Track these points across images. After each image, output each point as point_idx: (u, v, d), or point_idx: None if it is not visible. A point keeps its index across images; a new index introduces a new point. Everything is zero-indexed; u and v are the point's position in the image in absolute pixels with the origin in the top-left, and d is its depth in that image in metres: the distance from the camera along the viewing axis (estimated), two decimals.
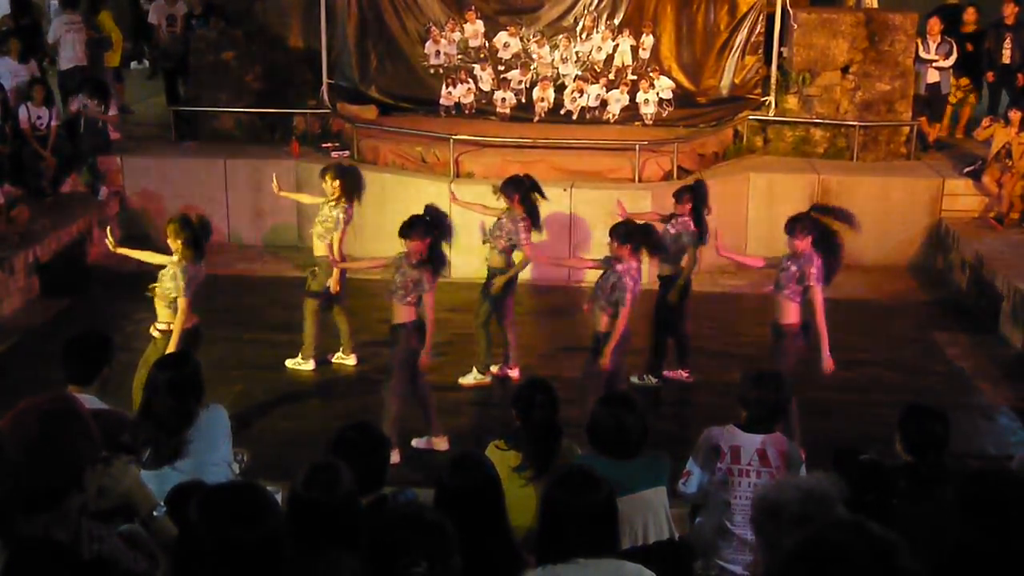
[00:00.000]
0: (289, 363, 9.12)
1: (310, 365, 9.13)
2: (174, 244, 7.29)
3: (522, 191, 8.56)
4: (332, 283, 8.79)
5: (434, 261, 7.38)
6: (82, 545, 2.89)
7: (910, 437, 4.60)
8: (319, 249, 8.88)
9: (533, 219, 8.57)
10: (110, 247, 7.91)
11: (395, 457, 7.30)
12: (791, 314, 7.28)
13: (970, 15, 13.46)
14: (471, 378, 8.93)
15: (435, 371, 8.92)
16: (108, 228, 8.31)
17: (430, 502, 3.83)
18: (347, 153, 12.41)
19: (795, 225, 7.28)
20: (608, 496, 3.56)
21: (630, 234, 7.32)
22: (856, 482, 4.14)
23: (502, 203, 8.85)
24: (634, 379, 8.81)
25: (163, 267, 7.46)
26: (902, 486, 4.38)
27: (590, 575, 3.45)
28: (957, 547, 2.87)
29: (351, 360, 9.21)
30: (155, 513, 3.32)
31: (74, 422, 2.91)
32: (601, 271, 7.49)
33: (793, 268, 7.19)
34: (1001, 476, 3.33)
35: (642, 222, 7.76)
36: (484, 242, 8.84)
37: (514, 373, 8.93)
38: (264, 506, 2.67)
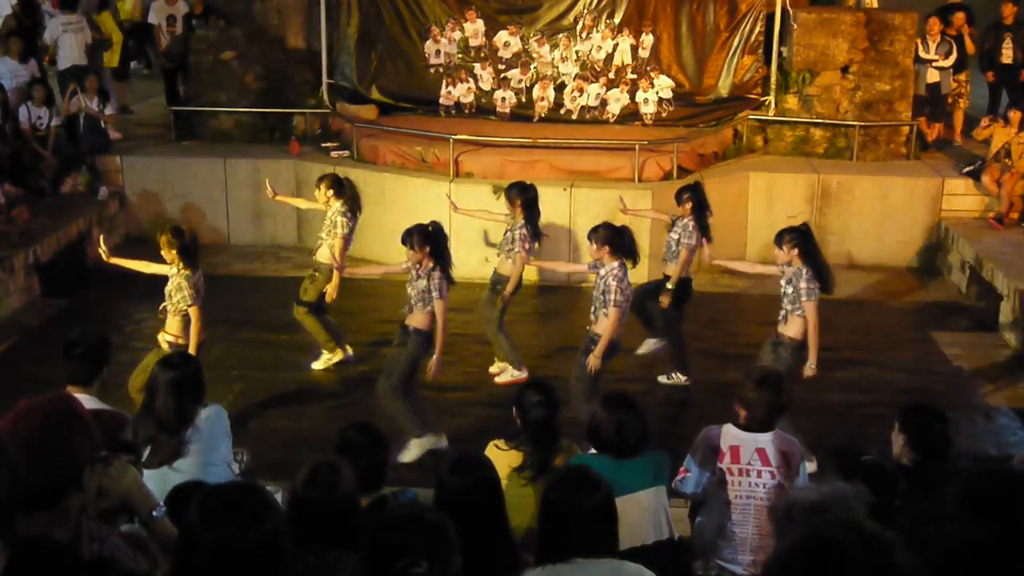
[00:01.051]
0: (318, 365, 9.04)
1: (339, 355, 9.07)
2: (168, 255, 7.25)
3: (525, 198, 8.59)
4: (331, 289, 8.73)
5: (440, 269, 7.32)
6: (82, 545, 2.89)
7: (914, 438, 4.59)
8: (323, 256, 8.84)
9: (532, 227, 8.59)
10: (103, 257, 7.88)
11: (443, 441, 7.55)
12: (796, 329, 7.25)
13: (959, 19, 13.42)
14: (507, 376, 8.88)
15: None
16: (100, 237, 8.25)
17: (430, 502, 3.84)
18: (347, 153, 12.42)
19: (782, 237, 7.32)
20: (607, 496, 3.57)
21: (608, 236, 7.35)
22: (858, 483, 4.15)
23: (503, 206, 8.86)
24: (662, 378, 8.86)
25: (157, 276, 7.43)
26: (904, 487, 4.38)
27: (590, 575, 3.45)
28: (960, 546, 2.87)
29: (338, 356, 9.16)
30: (155, 513, 3.33)
31: (74, 422, 2.91)
32: (595, 281, 7.50)
33: (791, 291, 7.23)
34: (1004, 475, 3.33)
35: (620, 225, 7.69)
36: (497, 255, 8.86)
37: (522, 375, 8.91)
38: (264, 506, 2.67)
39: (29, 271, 10.58)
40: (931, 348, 9.88)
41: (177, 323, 7.26)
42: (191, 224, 12.27)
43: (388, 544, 2.90)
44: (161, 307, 7.34)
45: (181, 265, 7.21)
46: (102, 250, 7.86)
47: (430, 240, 7.36)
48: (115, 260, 7.96)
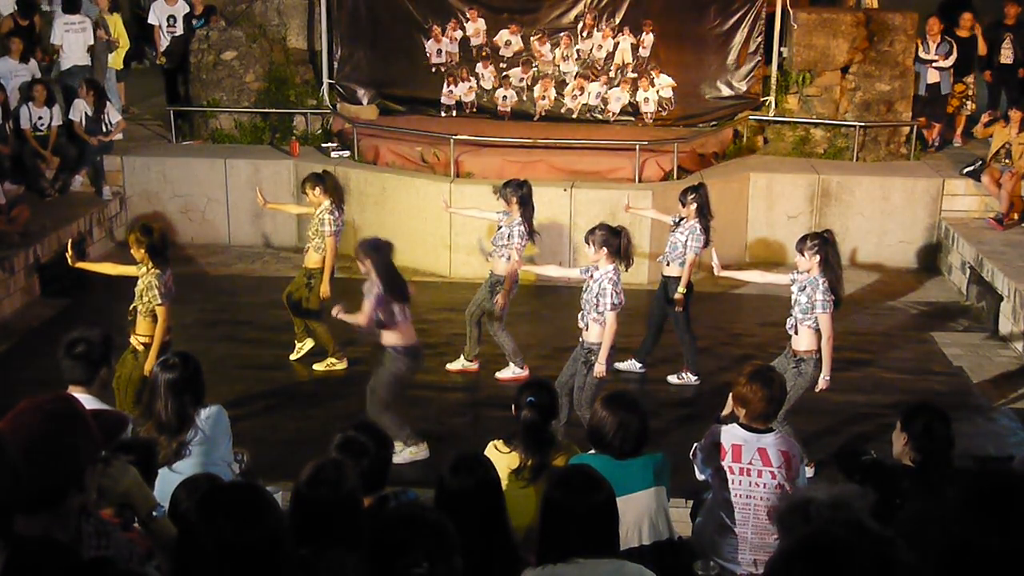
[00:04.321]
0: (319, 367, 9.08)
1: (343, 364, 9.13)
2: (137, 254, 7.15)
3: (520, 195, 8.59)
4: (323, 288, 8.72)
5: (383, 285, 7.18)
6: (82, 545, 2.89)
7: (917, 438, 4.59)
8: (312, 261, 8.85)
9: (528, 226, 8.59)
10: (69, 262, 7.83)
11: (425, 451, 7.51)
12: (808, 341, 7.09)
13: (966, 20, 13.40)
14: (458, 364, 9.04)
15: (433, 372, 8.97)
16: (69, 242, 8.22)
17: (430, 502, 3.84)
18: (347, 153, 12.42)
19: (804, 242, 7.13)
20: (608, 496, 3.57)
21: (606, 238, 7.29)
22: (858, 483, 4.15)
23: (498, 204, 8.86)
24: (672, 378, 8.88)
25: (124, 276, 7.42)
26: (905, 486, 4.38)
27: (590, 575, 3.45)
28: (960, 546, 2.87)
29: (342, 364, 9.17)
30: (155, 513, 3.33)
31: (74, 422, 2.90)
32: (585, 285, 7.43)
33: (804, 300, 7.06)
34: (1004, 475, 3.33)
35: (617, 226, 7.63)
36: (489, 256, 8.86)
37: (523, 372, 8.91)
38: (264, 506, 2.67)
39: (29, 271, 10.59)
40: (931, 348, 9.87)
41: (148, 324, 7.15)
42: (185, 224, 12.38)
43: (389, 544, 2.90)
44: (131, 307, 7.24)
45: (150, 264, 7.13)
46: (68, 256, 7.84)
47: (371, 253, 7.20)
48: (81, 264, 7.95)
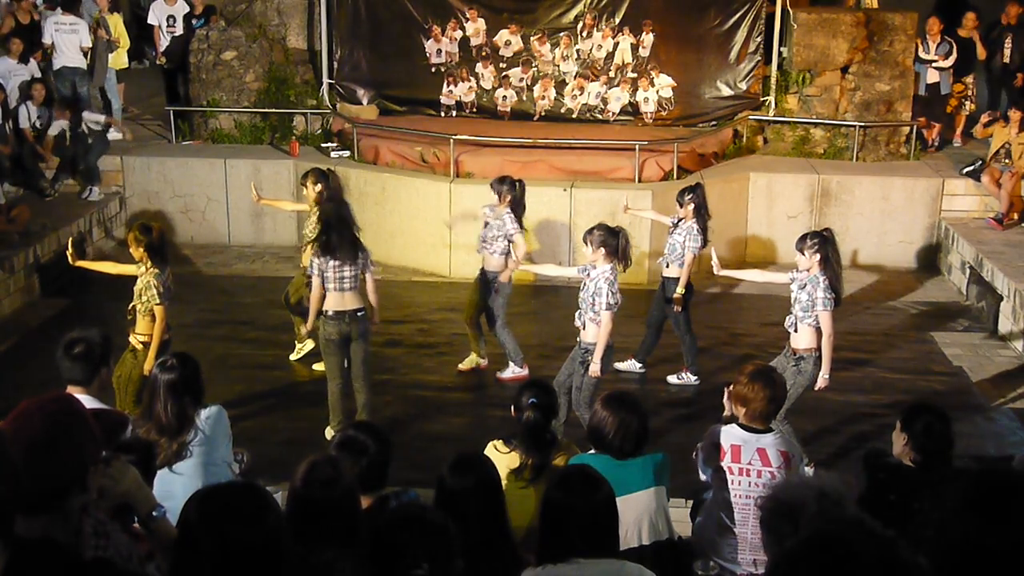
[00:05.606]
0: (319, 367, 9.08)
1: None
2: (136, 253, 7.14)
3: (513, 194, 8.59)
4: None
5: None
6: (82, 545, 2.89)
7: (916, 438, 4.58)
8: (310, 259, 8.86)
9: (519, 220, 8.58)
10: (70, 261, 7.84)
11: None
12: (807, 339, 7.07)
13: (969, 19, 13.38)
14: (468, 362, 9.05)
15: (433, 372, 8.97)
16: (70, 240, 8.22)
17: (430, 502, 3.83)
18: (347, 153, 12.42)
19: (804, 241, 7.12)
20: (608, 496, 3.57)
21: (604, 238, 7.28)
22: (881, 482, 4.13)
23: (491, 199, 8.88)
24: (672, 378, 8.87)
25: (123, 276, 7.42)
26: (922, 490, 4.36)
27: (590, 575, 3.45)
28: (960, 547, 2.87)
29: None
30: (155, 513, 3.32)
31: (77, 422, 2.91)
32: (582, 284, 7.44)
33: (805, 298, 7.05)
34: (1005, 475, 3.33)
35: (615, 226, 7.60)
36: (480, 251, 8.84)
37: (523, 372, 8.90)
38: (263, 506, 2.67)
39: (29, 271, 10.58)
40: (931, 348, 9.87)
41: (147, 323, 7.14)
42: (185, 224, 12.38)
43: (390, 545, 2.90)
44: (130, 306, 7.24)
45: (149, 264, 7.12)
46: (69, 254, 7.84)
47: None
48: (81, 263, 7.95)
